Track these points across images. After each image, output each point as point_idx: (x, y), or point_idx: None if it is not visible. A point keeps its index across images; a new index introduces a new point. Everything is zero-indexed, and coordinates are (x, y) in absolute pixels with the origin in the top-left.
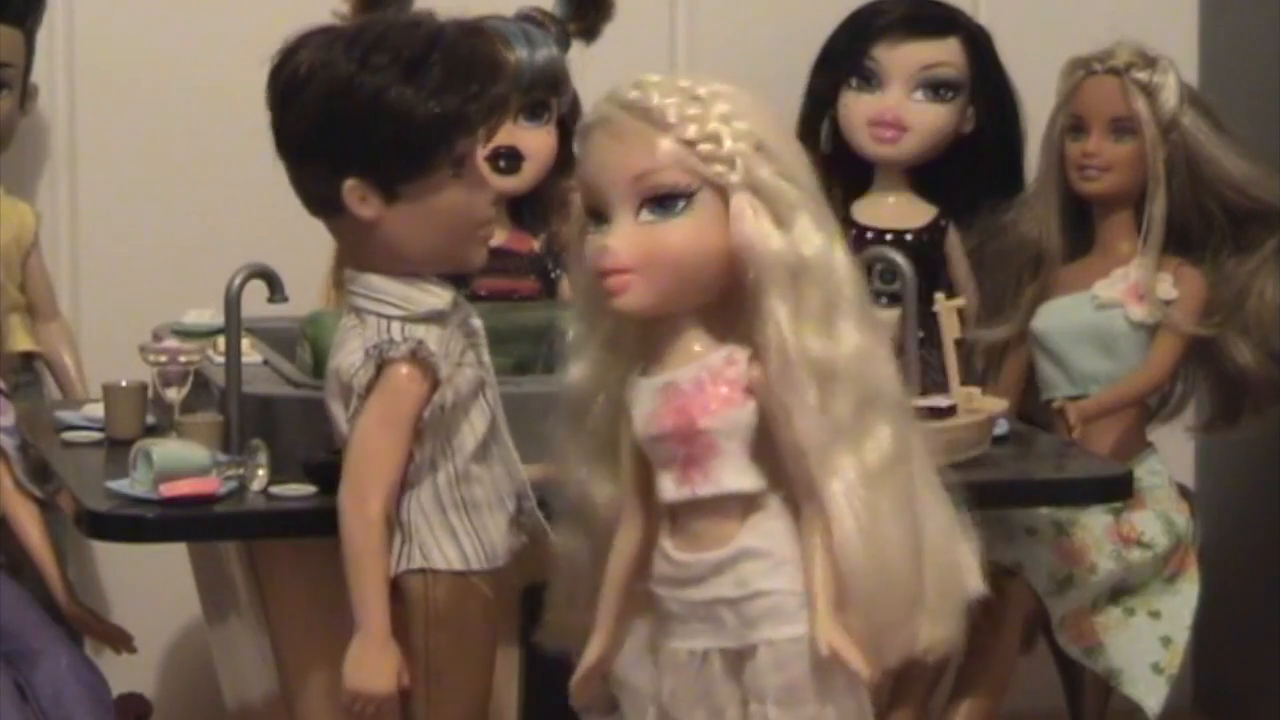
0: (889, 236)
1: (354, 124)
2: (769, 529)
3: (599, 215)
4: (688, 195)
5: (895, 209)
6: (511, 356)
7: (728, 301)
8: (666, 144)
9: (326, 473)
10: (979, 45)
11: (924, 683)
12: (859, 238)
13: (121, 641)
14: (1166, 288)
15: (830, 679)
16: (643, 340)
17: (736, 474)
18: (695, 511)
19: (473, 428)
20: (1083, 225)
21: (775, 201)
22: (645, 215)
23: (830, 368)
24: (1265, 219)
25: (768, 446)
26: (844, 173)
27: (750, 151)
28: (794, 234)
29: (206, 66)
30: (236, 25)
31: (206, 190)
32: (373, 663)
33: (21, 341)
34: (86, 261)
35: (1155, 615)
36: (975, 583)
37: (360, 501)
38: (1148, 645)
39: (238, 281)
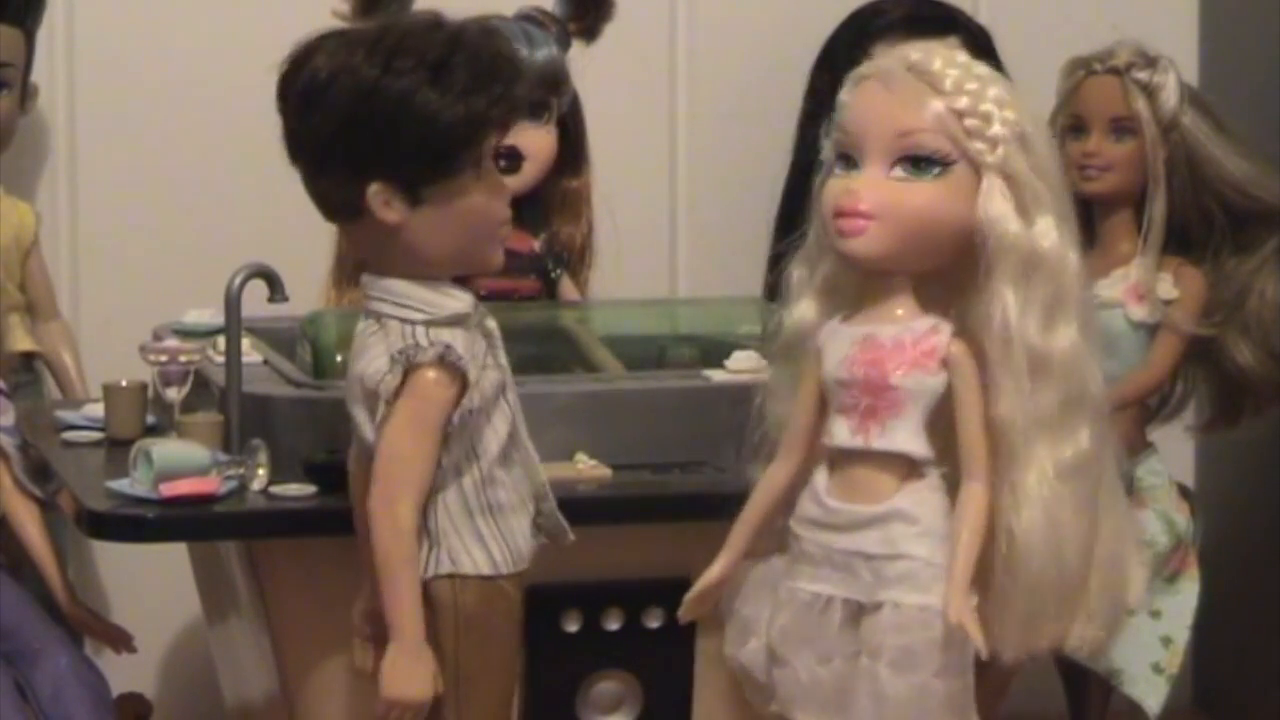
0: None
1: (380, 128)
2: (924, 498)
3: (849, 161)
4: (944, 162)
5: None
6: (511, 356)
7: (943, 279)
8: (938, 108)
9: (326, 473)
10: (979, 45)
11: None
12: None
13: (121, 641)
14: (1167, 288)
15: (946, 654)
16: (856, 293)
17: (911, 436)
18: (860, 462)
19: (496, 431)
20: (1083, 225)
21: (1023, 192)
22: (898, 171)
23: (1045, 360)
24: (1265, 219)
25: (940, 422)
26: None
27: (1012, 139)
28: (1035, 227)
29: (206, 67)
30: (237, 25)
31: (206, 190)
32: (408, 670)
33: (21, 341)
34: (86, 261)
35: (1155, 615)
36: (1135, 595)
37: (391, 508)
38: (1148, 645)
39: (238, 281)
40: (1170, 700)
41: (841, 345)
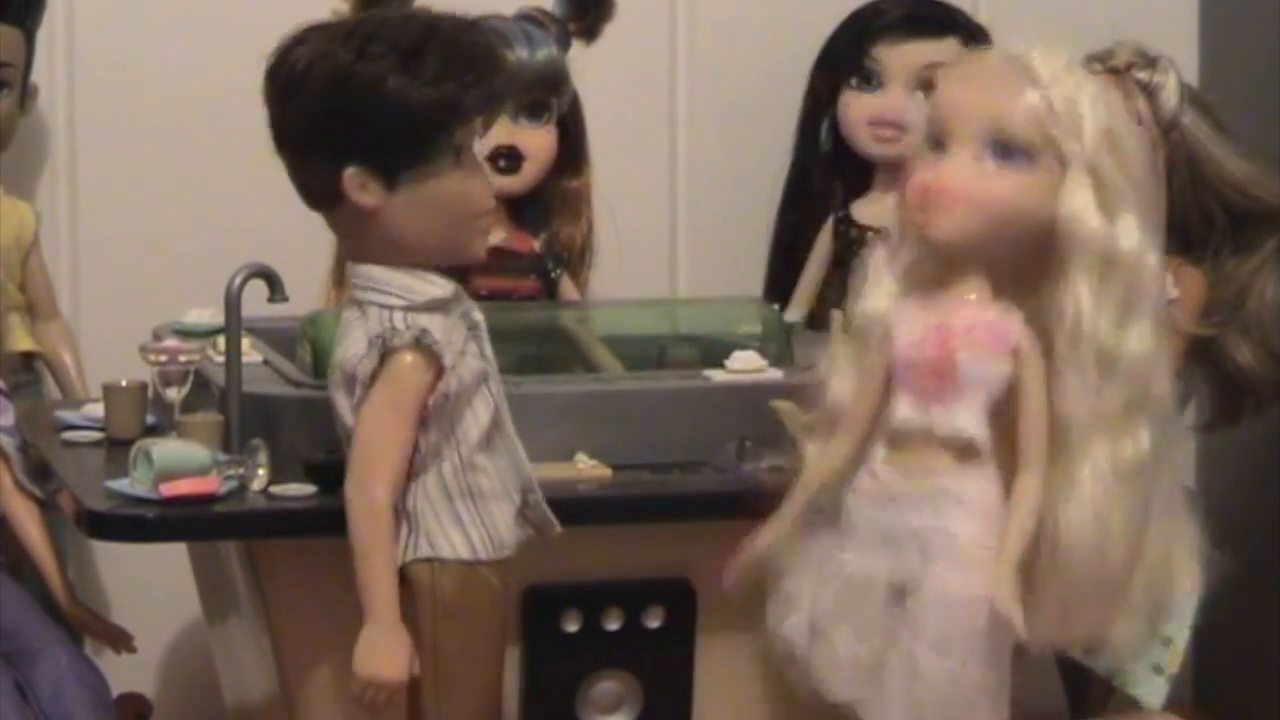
0: None
1: (353, 112)
2: (978, 482)
3: (939, 144)
4: (1032, 154)
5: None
6: (511, 356)
7: (1019, 271)
8: (1033, 99)
9: (326, 473)
10: (979, 45)
11: None
12: (859, 237)
13: (121, 641)
14: (1167, 288)
15: (987, 639)
16: (931, 281)
17: (972, 419)
18: (920, 441)
19: (477, 417)
20: None
21: (1109, 191)
22: (986, 158)
23: (1113, 358)
24: (1265, 219)
25: (1002, 412)
26: (844, 173)
27: (1102, 138)
28: (1117, 225)
29: (207, 66)
30: (237, 25)
31: (206, 190)
32: (383, 649)
33: (21, 341)
34: (86, 261)
35: None
36: (1191, 584)
37: (366, 490)
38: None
39: (238, 281)
40: (1170, 700)
41: (913, 326)
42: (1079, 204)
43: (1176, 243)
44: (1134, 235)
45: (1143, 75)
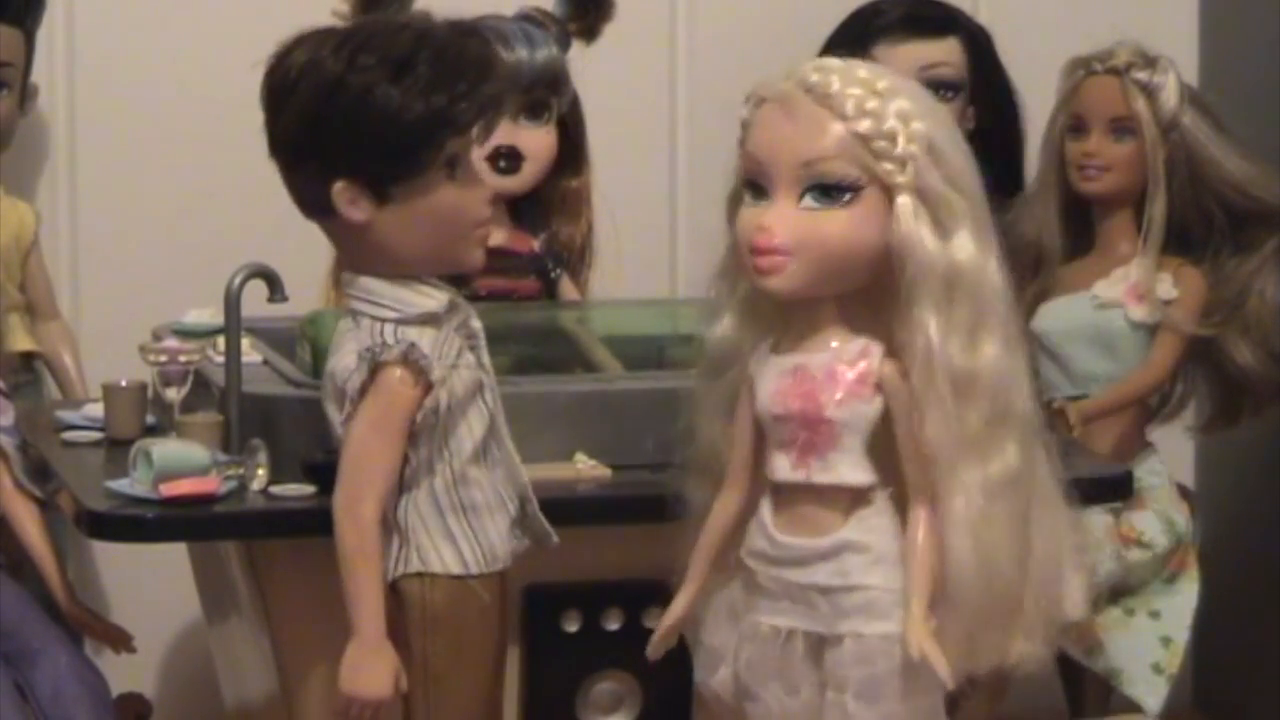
0: None
1: (342, 125)
2: (874, 524)
3: (758, 190)
4: (854, 188)
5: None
6: (511, 356)
7: (868, 294)
8: (841, 134)
9: (326, 473)
10: (979, 45)
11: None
12: None
13: (121, 641)
14: (1166, 288)
15: (911, 679)
16: (779, 313)
17: (853, 467)
18: (804, 496)
19: (470, 430)
20: (1083, 225)
21: (939, 208)
22: (808, 201)
23: (969, 379)
24: (1265, 219)
25: (882, 443)
26: None
27: (922, 154)
28: (952, 243)
29: (206, 67)
30: (236, 25)
31: (206, 190)
32: (367, 667)
33: (21, 341)
34: (86, 261)
35: (1155, 615)
36: (1075, 606)
37: (354, 505)
38: (1148, 645)
39: (238, 281)
40: (1170, 700)
41: (773, 378)
42: (910, 231)
43: (1176, 243)
44: (969, 247)
45: (1143, 75)
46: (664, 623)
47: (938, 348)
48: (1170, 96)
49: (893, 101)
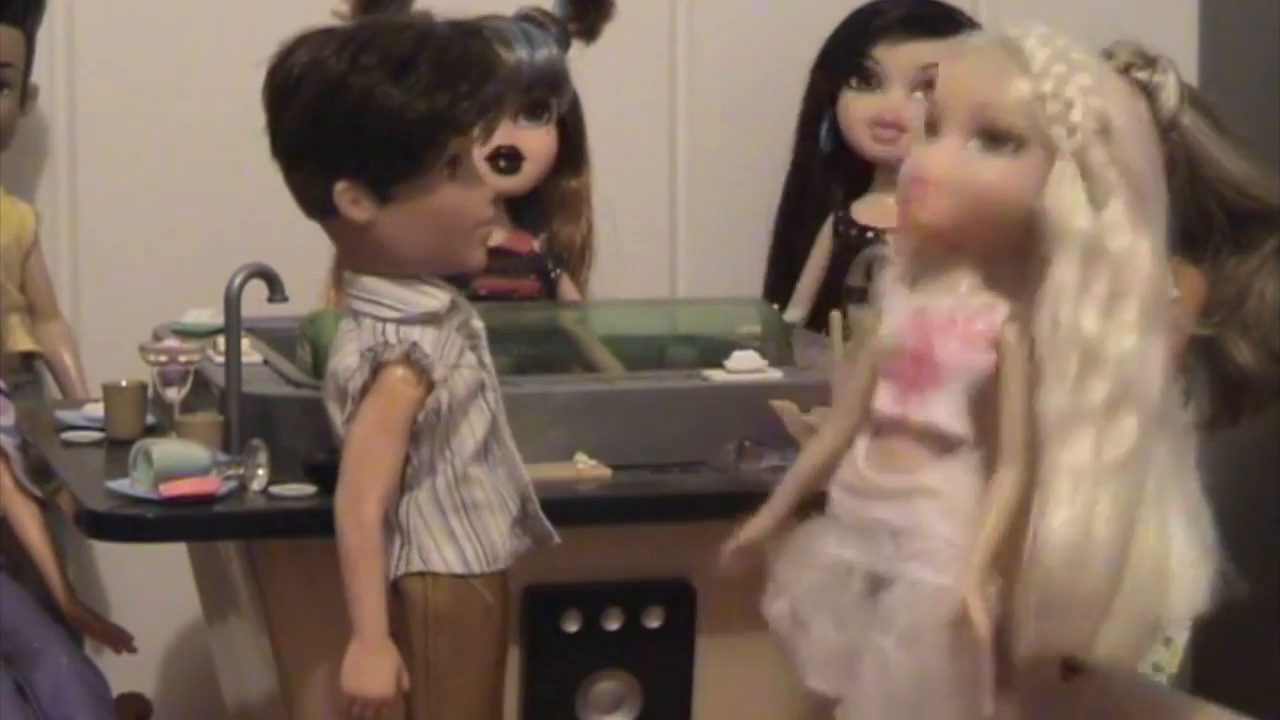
0: (889, 236)
1: (343, 125)
2: (956, 476)
3: (933, 129)
4: (1019, 142)
5: (895, 209)
6: (511, 356)
7: (1009, 256)
8: (1022, 87)
9: (326, 473)
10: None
11: None
12: (859, 238)
13: (121, 641)
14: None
15: (954, 635)
16: (928, 266)
17: (949, 412)
18: (898, 432)
19: (472, 429)
20: None
21: (1097, 182)
22: (973, 144)
23: (1096, 352)
24: (1265, 219)
25: (986, 404)
26: (844, 173)
27: (1094, 129)
28: (1103, 218)
29: (207, 67)
30: (237, 25)
31: (206, 190)
32: (369, 666)
33: (21, 341)
34: (86, 261)
35: None
36: (1177, 613)
37: (355, 504)
38: None
39: (238, 281)
40: None
41: (899, 314)
42: (1063, 194)
43: (1176, 243)
44: (1122, 231)
45: (1142, 75)
46: (738, 539)
47: (1067, 311)
48: (1170, 96)
49: (1079, 73)
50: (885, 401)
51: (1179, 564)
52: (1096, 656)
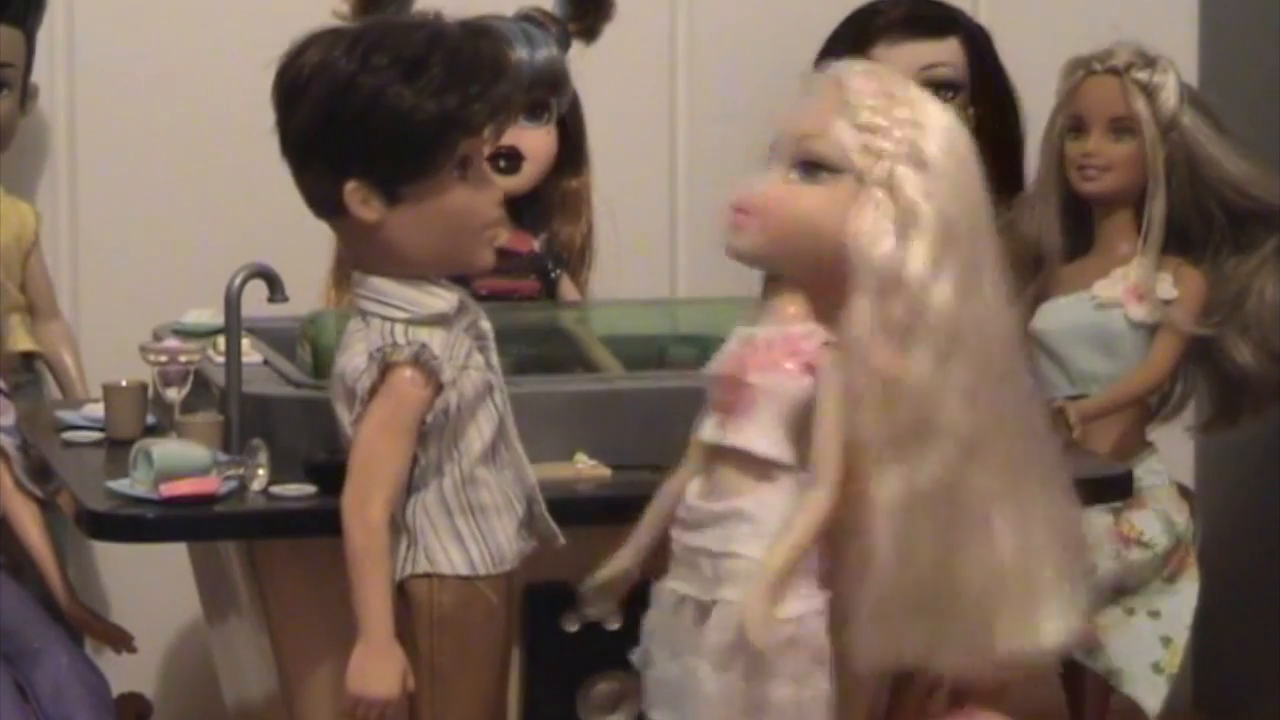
0: None
1: (354, 125)
2: (771, 501)
3: (770, 158)
4: (832, 170)
5: None
6: (511, 356)
7: (832, 283)
8: (838, 119)
9: (327, 473)
10: (979, 45)
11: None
12: None
13: (121, 641)
14: (1166, 287)
15: (763, 656)
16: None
17: (762, 437)
18: (720, 459)
19: (479, 431)
20: (1083, 225)
21: (904, 213)
22: (793, 174)
23: (895, 381)
24: (1265, 219)
25: (804, 429)
26: None
27: (906, 159)
28: (907, 250)
29: (206, 67)
30: (236, 25)
31: (206, 190)
32: (375, 667)
33: (21, 341)
34: (86, 261)
35: (1155, 615)
36: (1014, 644)
37: (362, 505)
38: (1148, 645)
39: (238, 281)
40: (1170, 700)
41: (729, 344)
42: (865, 221)
43: (1176, 243)
44: (921, 262)
45: (1142, 75)
46: (597, 580)
47: (864, 339)
48: (1170, 96)
49: (900, 108)
50: (708, 430)
51: (1017, 596)
52: (940, 669)
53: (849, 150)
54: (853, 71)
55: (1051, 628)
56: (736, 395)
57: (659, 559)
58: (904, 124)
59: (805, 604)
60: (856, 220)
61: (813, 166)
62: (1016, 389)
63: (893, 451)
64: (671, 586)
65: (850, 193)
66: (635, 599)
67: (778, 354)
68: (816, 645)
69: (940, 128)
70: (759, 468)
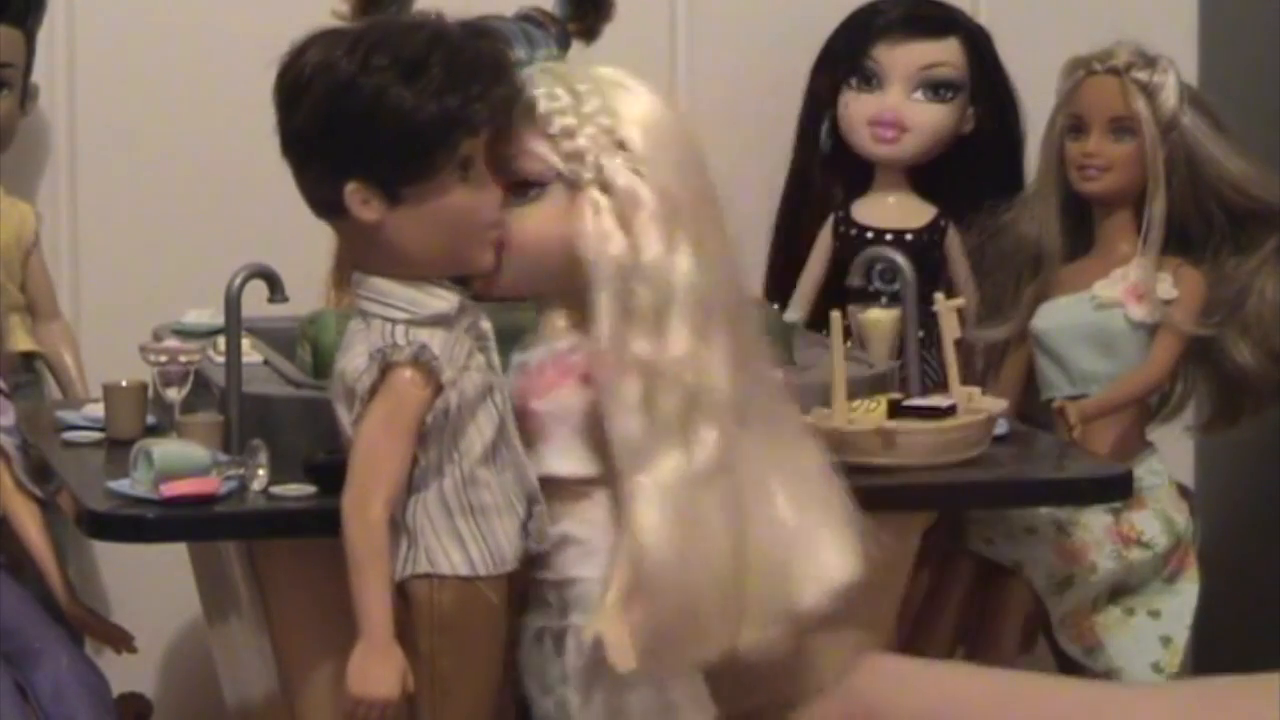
0: (889, 236)
1: (354, 126)
2: (591, 517)
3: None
4: (540, 184)
5: (895, 209)
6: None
7: (587, 293)
8: (530, 135)
9: (327, 473)
10: (979, 45)
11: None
12: (859, 238)
13: (122, 641)
14: (1166, 287)
15: (619, 671)
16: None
17: (559, 457)
18: (545, 491)
19: (480, 431)
20: (1083, 225)
21: (622, 201)
22: (512, 200)
23: (656, 368)
24: (1265, 219)
25: (603, 437)
26: (844, 173)
27: (608, 149)
28: (634, 236)
29: (207, 67)
30: (237, 25)
31: (206, 190)
32: (375, 668)
33: (21, 341)
34: (86, 261)
35: (1155, 615)
36: (811, 595)
37: (362, 506)
38: (1148, 645)
39: (238, 281)
40: None
41: (512, 376)
42: (587, 224)
43: (1176, 243)
44: (653, 242)
45: (1142, 75)
46: None
47: (613, 336)
48: (1170, 96)
49: (586, 101)
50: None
51: (802, 546)
52: (743, 650)
53: (549, 160)
54: (534, 82)
55: (838, 564)
56: (528, 422)
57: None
58: (595, 115)
59: None
60: (581, 226)
61: (521, 187)
62: (757, 345)
63: (663, 441)
64: (529, 621)
65: (564, 200)
66: None
67: (551, 375)
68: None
69: (633, 105)
70: (570, 489)
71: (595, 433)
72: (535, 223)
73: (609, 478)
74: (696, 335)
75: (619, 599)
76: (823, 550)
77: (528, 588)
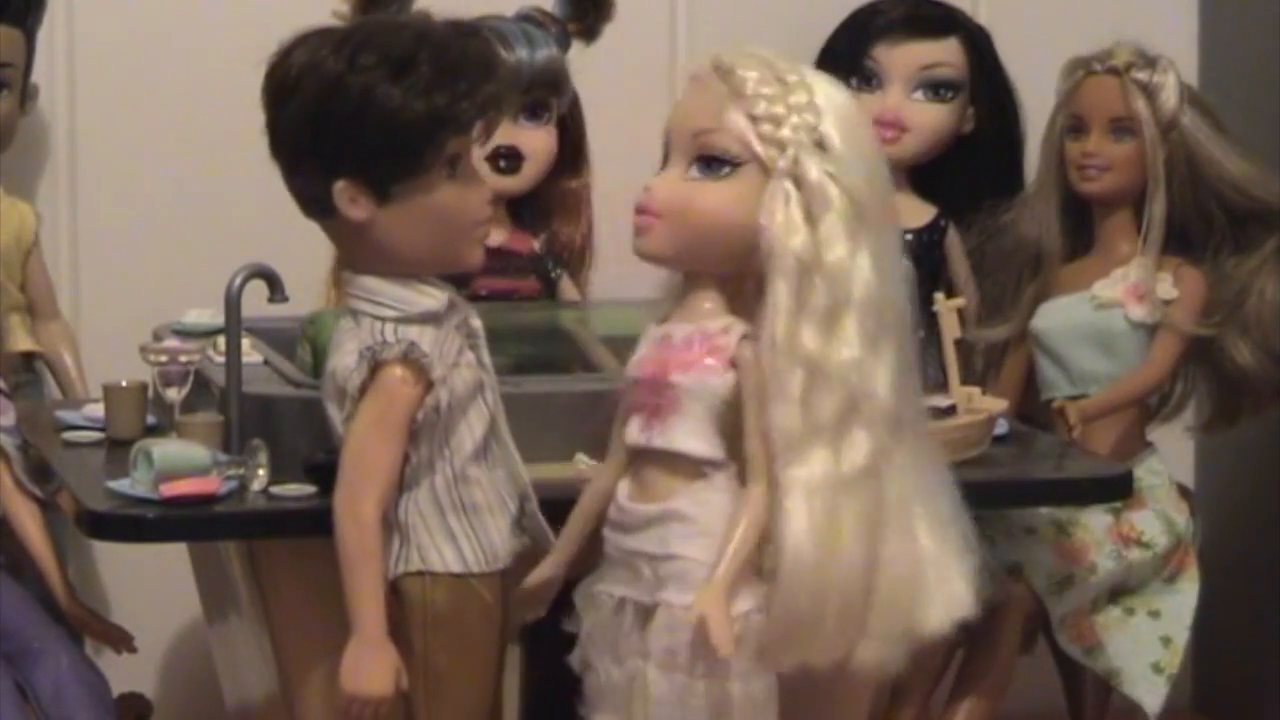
0: None
1: (342, 124)
2: (705, 498)
3: (666, 159)
4: (734, 164)
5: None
6: (511, 356)
7: (745, 276)
8: (732, 112)
9: (326, 473)
10: (979, 45)
11: (925, 681)
12: None
13: (121, 641)
14: (1166, 288)
15: (709, 655)
16: (679, 294)
17: (690, 436)
18: (649, 461)
19: (471, 429)
20: (1083, 225)
21: (813, 197)
22: (693, 171)
23: (821, 366)
24: (1265, 219)
25: (734, 423)
26: None
27: (807, 144)
28: (819, 233)
29: (206, 67)
30: (236, 25)
31: (206, 190)
32: (368, 666)
33: (21, 341)
34: (86, 261)
35: (1155, 615)
36: (936, 621)
37: (354, 504)
38: (1148, 645)
39: (238, 281)
40: (1170, 700)
41: (644, 344)
42: (776, 212)
43: (1176, 243)
44: (839, 244)
45: (1142, 75)
46: (525, 586)
47: (784, 328)
48: (1170, 96)
49: (793, 92)
50: (633, 433)
51: (934, 571)
52: (855, 665)
53: (748, 142)
54: (739, 59)
55: (965, 595)
56: (660, 396)
57: (585, 558)
58: (801, 109)
59: (749, 600)
60: (769, 214)
61: (713, 162)
62: (915, 367)
63: (812, 441)
64: (608, 589)
65: (755, 184)
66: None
67: (697, 352)
68: (760, 640)
69: (836, 107)
70: (690, 467)
71: (728, 417)
72: (720, 200)
73: (734, 462)
74: (866, 341)
75: (727, 584)
76: (954, 579)
77: (597, 554)
